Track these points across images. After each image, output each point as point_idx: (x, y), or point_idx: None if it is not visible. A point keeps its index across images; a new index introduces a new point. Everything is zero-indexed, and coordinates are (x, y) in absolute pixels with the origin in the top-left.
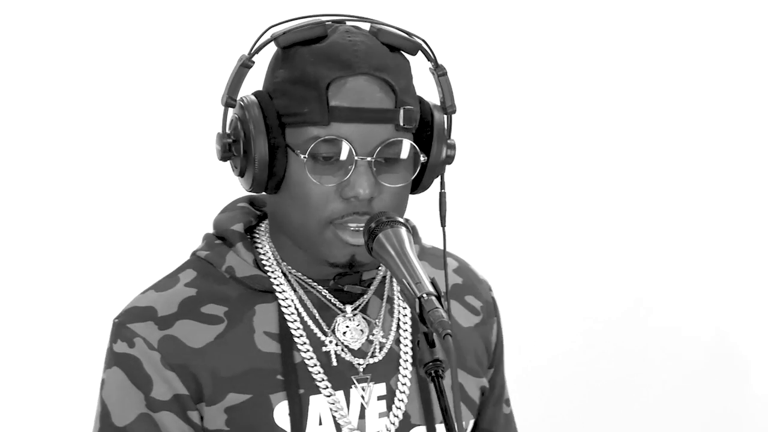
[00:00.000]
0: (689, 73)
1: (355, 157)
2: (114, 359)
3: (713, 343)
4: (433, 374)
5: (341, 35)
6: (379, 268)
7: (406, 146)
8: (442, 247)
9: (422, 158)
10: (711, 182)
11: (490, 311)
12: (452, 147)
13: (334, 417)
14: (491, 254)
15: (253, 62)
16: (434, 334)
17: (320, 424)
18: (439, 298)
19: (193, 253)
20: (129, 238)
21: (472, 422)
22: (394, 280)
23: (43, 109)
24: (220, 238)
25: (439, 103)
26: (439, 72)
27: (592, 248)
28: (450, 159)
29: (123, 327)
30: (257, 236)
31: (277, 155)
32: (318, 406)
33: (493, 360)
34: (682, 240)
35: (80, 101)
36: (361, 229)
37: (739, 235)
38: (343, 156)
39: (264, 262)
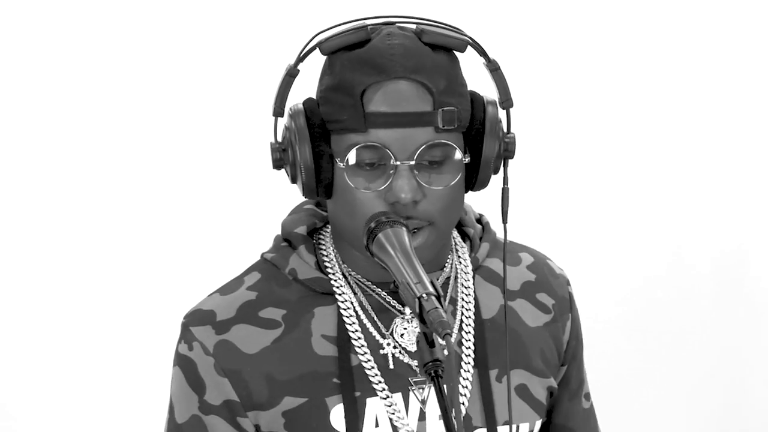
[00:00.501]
0: (705, 70)
1: (395, 162)
2: (177, 359)
3: (714, 345)
4: (433, 374)
5: (381, 39)
6: (443, 269)
7: (448, 148)
8: (515, 242)
9: (466, 159)
10: (712, 184)
11: (564, 308)
12: (511, 141)
13: (390, 419)
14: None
15: (298, 71)
16: (434, 334)
17: (377, 426)
18: (438, 297)
19: (262, 255)
20: (209, 240)
21: (539, 423)
22: (457, 280)
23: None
24: (286, 240)
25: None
26: (491, 67)
27: (590, 250)
28: (510, 154)
29: (186, 329)
30: (321, 238)
31: (322, 163)
32: (375, 408)
33: (565, 357)
34: (683, 241)
35: (157, 111)
36: (413, 230)
37: (741, 235)
38: (383, 161)
39: (326, 264)
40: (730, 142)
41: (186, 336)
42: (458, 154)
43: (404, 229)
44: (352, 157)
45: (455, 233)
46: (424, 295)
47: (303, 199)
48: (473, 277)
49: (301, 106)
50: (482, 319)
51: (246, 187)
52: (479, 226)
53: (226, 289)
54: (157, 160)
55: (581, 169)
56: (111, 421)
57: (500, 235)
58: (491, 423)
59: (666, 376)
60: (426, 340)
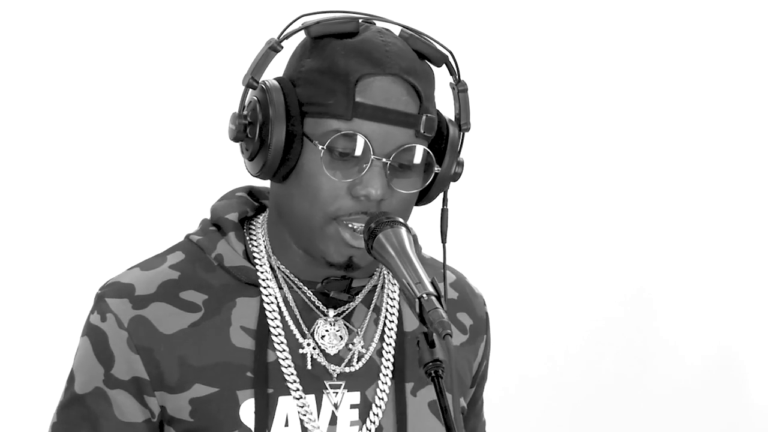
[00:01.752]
0: (686, 74)
1: (372, 156)
2: (87, 329)
3: (714, 347)
4: (433, 374)
5: (374, 34)
6: (372, 276)
7: (423, 154)
8: (440, 259)
9: (437, 169)
10: (711, 186)
11: (479, 329)
12: (461, 164)
13: (301, 420)
14: (490, 259)
15: (282, 47)
16: (434, 334)
17: (286, 425)
18: (439, 298)
19: (187, 236)
20: (127, 222)
21: None
22: (384, 289)
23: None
24: (215, 225)
25: (453, 118)
26: (461, 88)
27: (590, 251)
28: (457, 176)
29: (102, 300)
30: (252, 228)
31: (293, 143)
32: (286, 407)
33: (475, 378)
34: (684, 242)
35: (81, 81)
36: (362, 230)
37: (741, 237)
38: (360, 153)
39: (254, 254)
40: (724, 143)
41: (100, 306)
42: (428, 162)
43: (404, 229)
44: (331, 143)
45: None
46: (424, 296)
47: (239, 182)
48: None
49: (276, 82)
50: (404, 331)
51: (151, 170)
52: None
53: (147, 265)
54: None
55: (577, 168)
56: None
57: (425, 251)
58: None
59: (666, 376)
60: (426, 340)
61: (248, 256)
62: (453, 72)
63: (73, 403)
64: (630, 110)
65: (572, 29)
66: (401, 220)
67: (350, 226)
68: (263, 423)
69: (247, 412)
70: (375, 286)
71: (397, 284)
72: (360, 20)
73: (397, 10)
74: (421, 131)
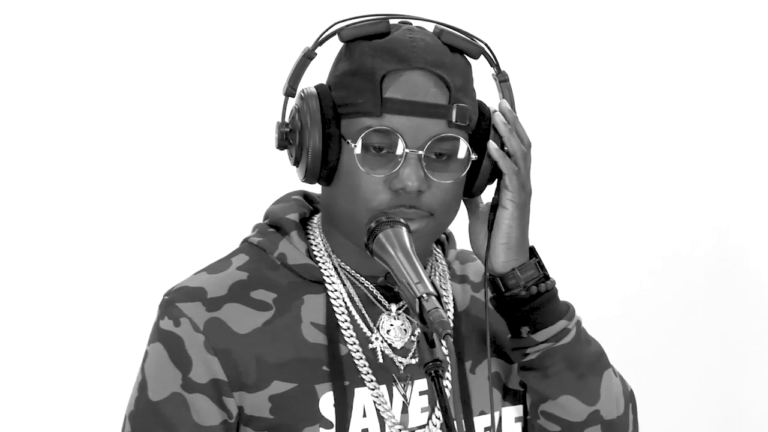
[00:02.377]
0: (686, 74)
1: (405, 150)
2: (158, 335)
3: (714, 346)
4: (433, 374)
5: (403, 32)
6: (426, 267)
7: (458, 143)
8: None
9: (473, 156)
10: (711, 187)
11: None
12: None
13: (377, 410)
14: None
15: (316, 54)
16: (434, 334)
17: (364, 416)
18: (439, 298)
19: (245, 240)
20: (177, 228)
21: (519, 409)
22: (434, 276)
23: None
24: (274, 227)
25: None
26: (501, 78)
27: (588, 251)
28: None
29: (171, 305)
30: (310, 228)
31: (330, 145)
32: (362, 398)
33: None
34: (683, 242)
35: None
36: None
37: (740, 228)
38: (393, 147)
39: (315, 253)
40: (727, 142)
41: (171, 312)
42: (466, 151)
43: (404, 228)
44: (364, 139)
45: None
46: (424, 295)
47: (291, 187)
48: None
49: (313, 89)
50: (458, 312)
51: (200, 177)
52: (443, 236)
53: (213, 269)
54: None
55: (574, 173)
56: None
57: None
58: (468, 414)
59: (666, 375)
60: (426, 339)
61: (309, 254)
62: (492, 63)
63: (147, 410)
64: (627, 112)
65: (572, 28)
66: (402, 220)
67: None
68: (343, 415)
69: (326, 405)
70: (429, 276)
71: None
72: (390, 21)
73: (434, 8)
74: (454, 120)
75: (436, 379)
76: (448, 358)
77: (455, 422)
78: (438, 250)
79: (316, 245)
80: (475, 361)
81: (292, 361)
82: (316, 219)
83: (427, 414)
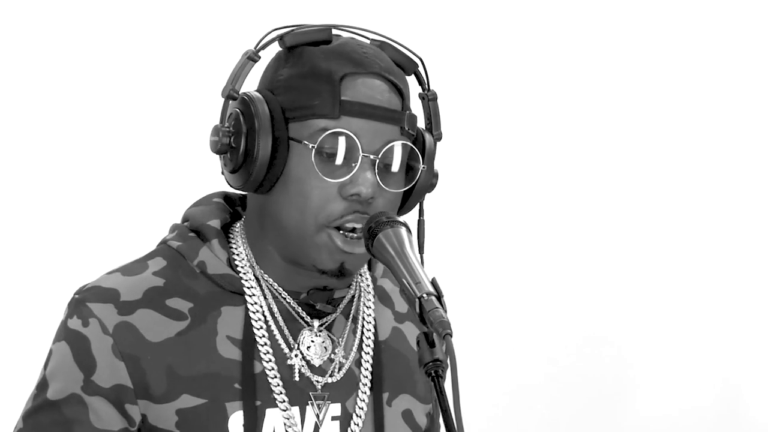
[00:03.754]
0: (683, 76)
1: (361, 154)
2: (65, 334)
3: (714, 346)
4: (433, 374)
5: (348, 40)
6: (350, 287)
7: (412, 152)
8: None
9: (422, 166)
10: (712, 188)
11: None
12: (436, 175)
13: None
14: (485, 265)
15: (260, 57)
16: (434, 334)
17: None
18: (439, 298)
19: (164, 242)
20: (94, 227)
21: None
22: (360, 299)
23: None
24: (194, 231)
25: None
26: (430, 96)
27: (585, 256)
28: (432, 187)
29: (82, 304)
30: (232, 236)
31: (278, 150)
32: (273, 419)
33: None
34: (683, 245)
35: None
36: (354, 237)
37: (740, 238)
38: (350, 151)
39: (237, 262)
40: (728, 142)
41: (81, 311)
42: (417, 160)
43: (404, 228)
44: (321, 142)
45: None
46: (424, 296)
47: (204, 186)
48: (373, 297)
49: (258, 93)
50: (379, 341)
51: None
52: None
53: (128, 271)
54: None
55: (574, 173)
56: None
57: None
58: None
59: (665, 375)
60: (426, 340)
61: (231, 264)
62: (422, 81)
63: (44, 409)
64: (624, 114)
65: (565, 29)
66: (402, 220)
67: (348, 226)
68: None
69: (235, 424)
70: (353, 296)
71: (373, 292)
72: (332, 30)
73: (367, 20)
74: (406, 128)
75: (436, 379)
76: (448, 360)
77: (455, 422)
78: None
79: (238, 254)
80: (392, 394)
81: (204, 376)
82: (238, 226)
83: None
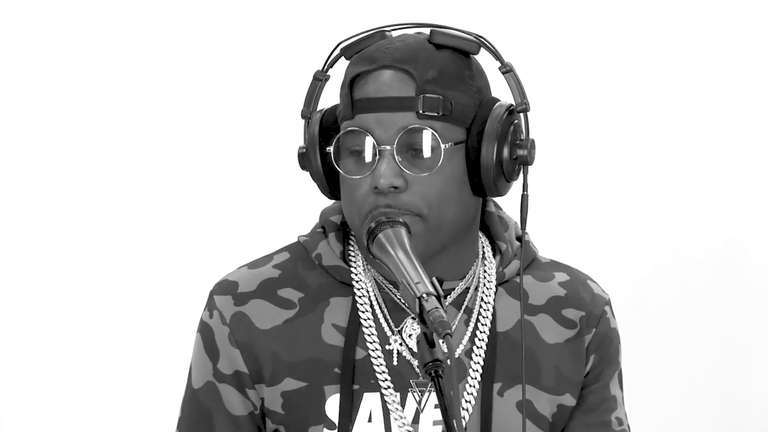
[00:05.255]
0: (684, 75)
1: (378, 147)
2: (199, 325)
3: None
4: (433, 374)
5: (390, 38)
6: (464, 278)
7: (427, 134)
8: (560, 262)
9: (444, 145)
10: (710, 179)
11: (591, 322)
12: (521, 147)
13: (388, 415)
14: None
15: (329, 76)
16: (434, 334)
17: (369, 421)
18: (439, 298)
19: (298, 237)
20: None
21: None
22: (477, 291)
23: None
24: (322, 226)
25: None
26: (504, 69)
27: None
28: (525, 159)
29: (211, 297)
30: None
31: (329, 162)
32: (370, 403)
33: (588, 374)
34: (683, 241)
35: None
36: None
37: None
38: (367, 146)
39: (351, 255)
40: (731, 139)
41: (210, 304)
42: (434, 139)
43: (404, 228)
44: (338, 142)
45: (486, 246)
46: (424, 295)
47: None
48: (496, 291)
49: (320, 112)
50: (496, 332)
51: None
52: (516, 243)
53: (254, 264)
54: (166, 159)
55: (583, 170)
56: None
57: (542, 253)
58: None
59: (665, 374)
60: (426, 340)
61: (345, 256)
62: (495, 56)
63: (192, 397)
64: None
65: (573, 27)
66: (402, 220)
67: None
68: (347, 417)
69: (332, 406)
70: (467, 288)
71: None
72: (388, 31)
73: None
74: (421, 111)
75: (436, 379)
76: (448, 361)
77: (455, 422)
78: (493, 260)
79: (353, 248)
80: (505, 384)
81: (306, 361)
82: None
83: (439, 428)
